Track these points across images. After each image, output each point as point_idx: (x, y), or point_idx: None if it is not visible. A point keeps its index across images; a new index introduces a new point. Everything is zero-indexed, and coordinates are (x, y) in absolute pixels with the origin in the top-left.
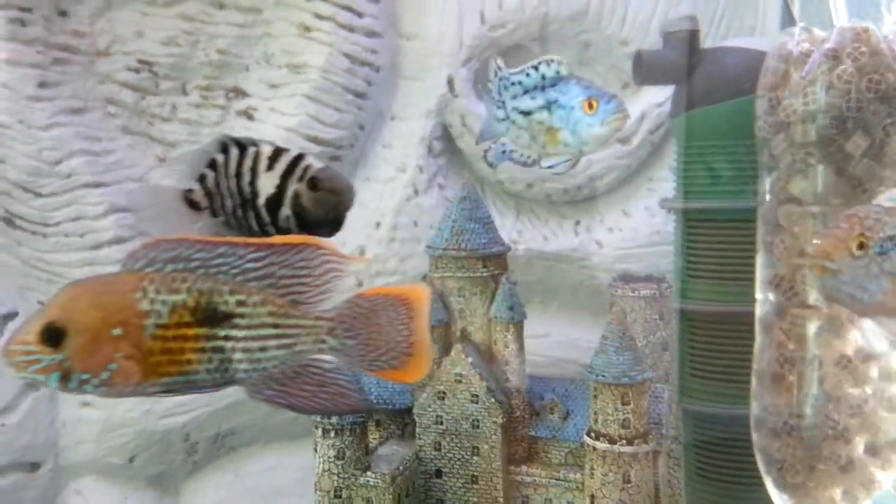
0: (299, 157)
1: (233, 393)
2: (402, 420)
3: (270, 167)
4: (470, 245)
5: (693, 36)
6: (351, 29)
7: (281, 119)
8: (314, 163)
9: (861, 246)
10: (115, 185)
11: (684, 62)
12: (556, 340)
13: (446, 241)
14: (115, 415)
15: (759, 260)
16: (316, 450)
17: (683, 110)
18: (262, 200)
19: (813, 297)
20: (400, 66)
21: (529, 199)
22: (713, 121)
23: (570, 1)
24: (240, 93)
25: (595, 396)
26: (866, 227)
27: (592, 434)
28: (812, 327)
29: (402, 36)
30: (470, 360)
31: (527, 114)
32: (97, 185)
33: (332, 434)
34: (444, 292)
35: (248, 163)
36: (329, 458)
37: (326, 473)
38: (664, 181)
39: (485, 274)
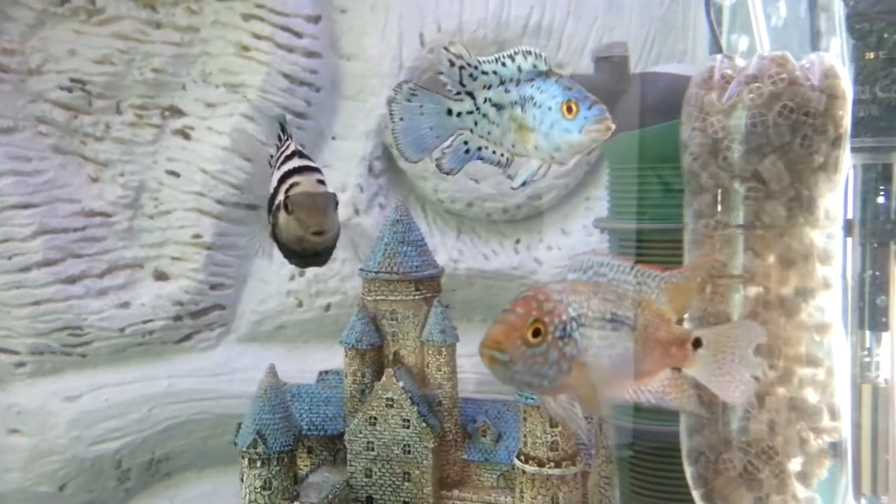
0: (301, 169)
1: (167, 418)
2: (334, 446)
3: (280, 166)
4: (402, 268)
5: (623, 61)
6: (290, 49)
7: (218, 138)
8: (308, 183)
9: (537, 333)
10: (45, 205)
11: (615, 86)
12: None
13: (378, 264)
14: (44, 441)
15: None
16: (242, 480)
17: (615, 133)
18: (268, 194)
19: (736, 315)
20: (340, 87)
21: (470, 217)
22: (641, 144)
23: (507, 24)
24: (176, 112)
25: (524, 419)
26: (545, 312)
27: (522, 457)
28: None
29: (343, 56)
30: (401, 384)
31: (499, 107)
32: (26, 206)
33: (259, 464)
34: (377, 315)
35: (278, 152)
36: (255, 488)
37: None
38: (600, 200)
39: (417, 297)
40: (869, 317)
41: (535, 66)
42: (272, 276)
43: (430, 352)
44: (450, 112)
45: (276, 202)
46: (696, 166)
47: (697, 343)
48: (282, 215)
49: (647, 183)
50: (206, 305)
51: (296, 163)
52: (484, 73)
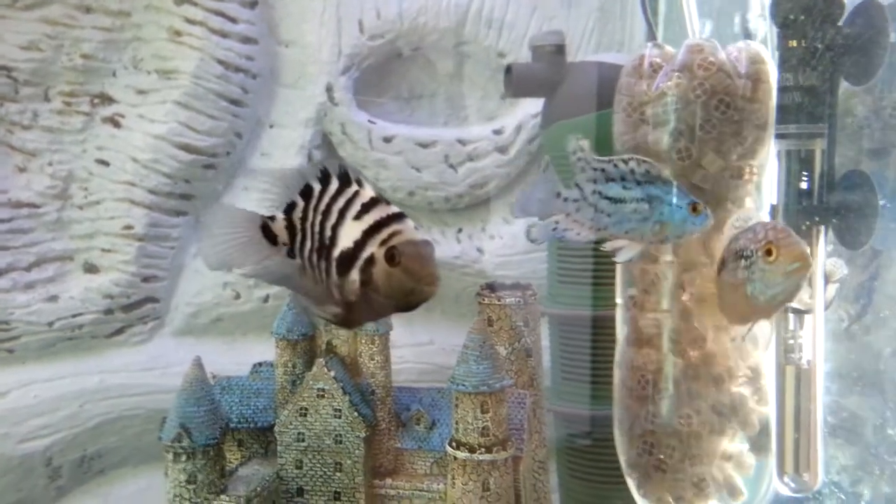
0: (395, 217)
1: (99, 414)
2: (265, 438)
3: (360, 216)
4: None
5: (560, 50)
6: (224, 35)
7: (150, 126)
8: (408, 231)
9: None
10: None
11: (552, 75)
12: (439, 347)
13: None
14: None
15: (618, 267)
16: (167, 474)
17: (552, 122)
18: (336, 252)
19: (665, 302)
20: (278, 74)
21: (412, 207)
22: (575, 133)
23: (447, 12)
24: (106, 99)
25: (456, 406)
26: None
27: (454, 443)
28: (665, 330)
29: (280, 43)
30: (333, 374)
31: (617, 201)
32: None
33: (184, 458)
34: None
35: (341, 201)
36: (180, 482)
37: (178, 499)
38: None
39: None
40: None
41: (648, 172)
42: (207, 268)
43: (364, 341)
44: (558, 195)
45: (367, 254)
46: (626, 154)
47: None
48: (381, 269)
49: None
50: (138, 298)
51: (383, 210)
52: (593, 168)
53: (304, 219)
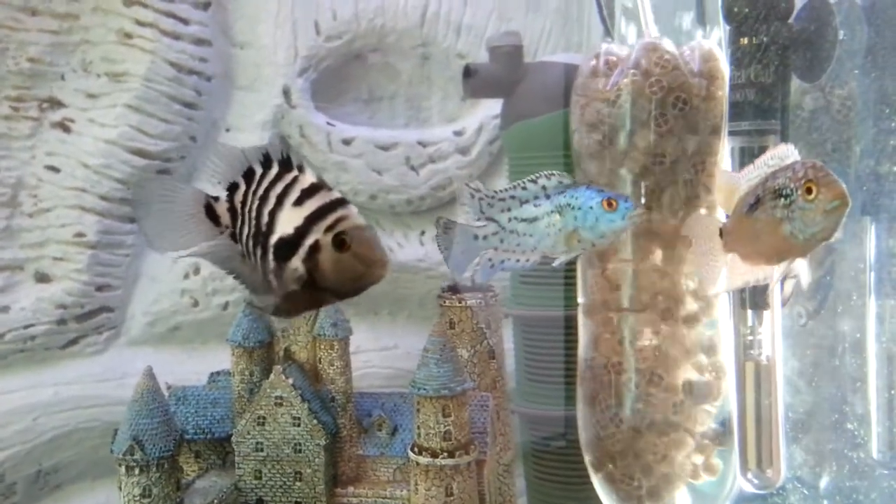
0: (339, 203)
1: (54, 427)
2: (222, 449)
3: (301, 201)
4: None
5: (517, 51)
6: (176, 36)
7: (100, 131)
8: (353, 216)
9: None
10: None
11: (510, 76)
12: (404, 351)
13: None
14: None
15: (579, 265)
16: (120, 489)
17: (511, 123)
18: (274, 238)
19: (626, 298)
20: (233, 76)
21: (374, 210)
22: (534, 133)
23: (405, 13)
24: (55, 103)
25: (418, 410)
26: None
27: (416, 449)
28: (626, 327)
29: (235, 45)
30: (291, 381)
31: (532, 220)
32: None
33: (137, 471)
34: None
35: (279, 186)
36: (134, 496)
37: None
38: None
39: None
40: (750, 296)
41: (560, 183)
42: (164, 275)
43: (323, 346)
44: (475, 237)
45: (311, 241)
46: (583, 153)
47: None
48: (328, 256)
49: (544, 170)
50: (92, 308)
51: (326, 196)
52: (501, 199)
53: (243, 203)
